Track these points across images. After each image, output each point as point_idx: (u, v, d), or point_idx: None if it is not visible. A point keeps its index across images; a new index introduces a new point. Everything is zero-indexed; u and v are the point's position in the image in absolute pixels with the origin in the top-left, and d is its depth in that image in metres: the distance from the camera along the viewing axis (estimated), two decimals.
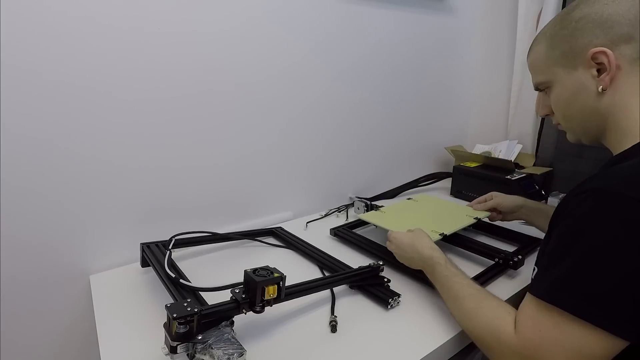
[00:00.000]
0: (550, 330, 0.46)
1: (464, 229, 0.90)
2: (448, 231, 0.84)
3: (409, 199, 1.09)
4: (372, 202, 1.08)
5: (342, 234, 0.96)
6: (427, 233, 0.77)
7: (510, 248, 0.85)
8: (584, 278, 0.44)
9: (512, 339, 0.49)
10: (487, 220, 0.94)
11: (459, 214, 0.94)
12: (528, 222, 0.91)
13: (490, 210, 0.95)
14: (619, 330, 0.42)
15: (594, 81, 0.55)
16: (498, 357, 0.51)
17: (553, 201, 1.19)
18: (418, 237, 0.74)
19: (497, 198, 0.95)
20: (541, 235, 0.90)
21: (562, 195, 1.18)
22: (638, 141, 0.52)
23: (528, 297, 0.50)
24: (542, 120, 1.31)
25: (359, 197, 1.12)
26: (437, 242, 0.76)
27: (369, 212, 1.01)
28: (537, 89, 0.66)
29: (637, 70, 0.53)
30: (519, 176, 1.16)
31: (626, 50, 0.53)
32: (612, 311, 0.42)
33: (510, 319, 0.51)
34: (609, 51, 0.53)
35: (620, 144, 0.55)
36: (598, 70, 0.55)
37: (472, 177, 1.25)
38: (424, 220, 0.93)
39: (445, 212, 0.98)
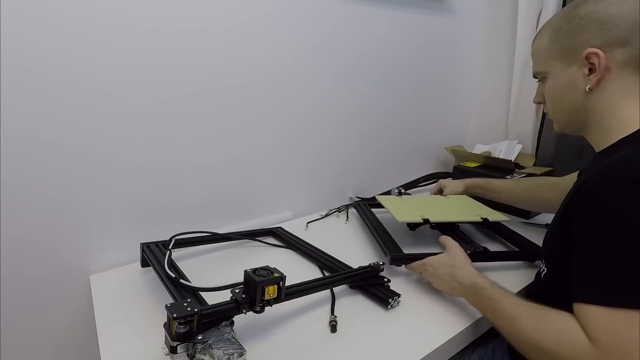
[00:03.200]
0: (629, 331, 0.44)
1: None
2: (437, 219, 0.86)
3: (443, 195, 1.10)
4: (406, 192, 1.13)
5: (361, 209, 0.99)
6: (461, 251, 0.72)
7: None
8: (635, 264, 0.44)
9: (591, 351, 0.46)
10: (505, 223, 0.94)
11: (472, 211, 0.93)
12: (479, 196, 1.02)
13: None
14: None
15: (584, 80, 0.58)
16: None
17: None
18: (457, 264, 0.69)
19: (446, 189, 1.05)
20: None
21: None
22: (623, 136, 0.55)
23: (587, 306, 0.47)
24: (542, 120, 1.31)
25: (358, 197, 1.12)
26: (420, 225, 0.82)
27: (386, 195, 1.05)
28: (534, 76, 0.68)
29: (627, 73, 0.56)
30: (519, 176, 1.15)
31: (619, 54, 0.55)
32: None
33: (578, 327, 0.48)
34: (601, 53, 0.55)
35: (602, 140, 0.59)
36: (589, 70, 0.57)
37: (472, 177, 1.25)
38: (430, 208, 0.93)
39: (462, 206, 0.98)
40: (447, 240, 0.76)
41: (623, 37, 0.54)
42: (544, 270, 0.63)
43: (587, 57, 0.56)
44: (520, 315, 0.55)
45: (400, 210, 0.91)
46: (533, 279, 0.71)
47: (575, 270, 0.51)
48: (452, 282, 0.67)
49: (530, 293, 0.72)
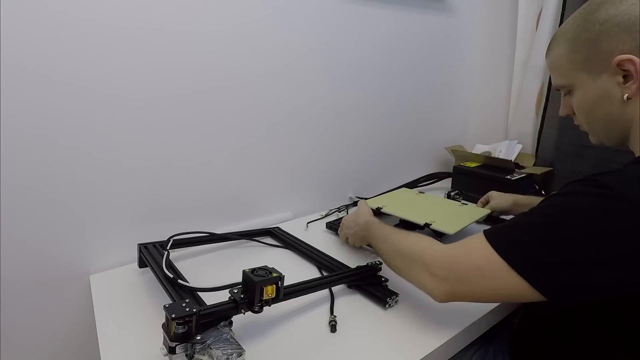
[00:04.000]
0: (478, 258, 0.51)
1: None
2: (387, 211, 0.95)
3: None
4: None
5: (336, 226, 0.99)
6: (366, 206, 0.88)
7: None
8: (530, 233, 0.48)
9: (439, 251, 0.55)
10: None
11: (435, 216, 0.90)
12: None
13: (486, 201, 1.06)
14: (537, 284, 0.46)
15: (619, 88, 0.53)
16: (421, 270, 0.57)
17: None
18: (359, 211, 0.85)
19: (493, 201, 1.03)
20: None
21: None
22: None
23: (482, 234, 0.53)
24: (542, 120, 1.31)
25: (358, 197, 1.12)
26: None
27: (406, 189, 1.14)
28: (557, 90, 0.64)
29: None
30: (519, 176, 1.15)
31: None
32: (537, 266, 0.46)
33: (436, 242, 0.58)
34: (636, 59, 0.50)
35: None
36: (624, 77, 0.52)
37: (472, 177, 1.25)
38: (407, 205, 1.00)
39: (440, 211, 0.95)
40: (360, 201, 0.92)
41: None
42: None
43: (620, 65, 0.52)
44: (393, 233, 0.67)
45: (378, 200, 1.03)
46: None
47: None
48: (354, 226, 0.82)
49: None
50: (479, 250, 0.51)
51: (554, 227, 0.46)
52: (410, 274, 0.60)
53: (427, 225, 0.86)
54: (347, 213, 1.13)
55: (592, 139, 0.64)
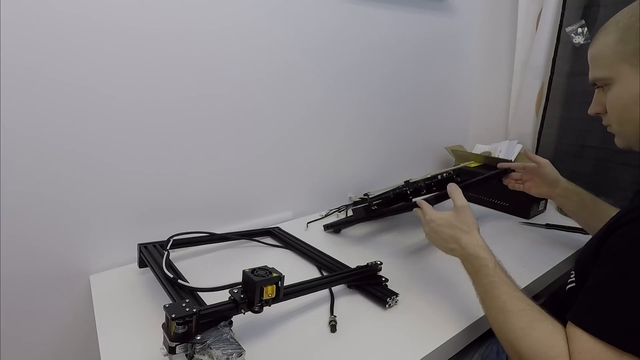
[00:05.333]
0: None
1: None
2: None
3: None
4: None
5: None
6: (471, 214, 0.66)
7: None
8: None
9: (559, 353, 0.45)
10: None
11: None
12: (557, 203, 0.89)
13: (530, 165, 0.93)
14: None
15: None
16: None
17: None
18: (465, 228, 0.64)
19: (546, 162, 0.91)
20: None
21: None
22: None
23: (581, 331, 0.45)
24: (542, 120, 1.31)
25: (359, 197, 1.11)
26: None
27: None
28: (593, 84, 0.60)
29: None
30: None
31: None
32: None
33: (565, 348, 0.46)
34: None
35: None
36: None
37: (471, 177, 1.25)
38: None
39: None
40: (456, 197, 0.68)
41: None
42: (572, 284, 0.61)
43: None
44: (514, 310, 0.52)
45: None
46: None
47: (585, 289, 0.48)
48: (453, 244, 0.64)
49: (551, 303, 0.70)
50: (600, 357, 0.42)
51: None
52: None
53: (406, 182, 0.90)
54: (347, 214, 1.13)
55: (619, 142, 0.60)
